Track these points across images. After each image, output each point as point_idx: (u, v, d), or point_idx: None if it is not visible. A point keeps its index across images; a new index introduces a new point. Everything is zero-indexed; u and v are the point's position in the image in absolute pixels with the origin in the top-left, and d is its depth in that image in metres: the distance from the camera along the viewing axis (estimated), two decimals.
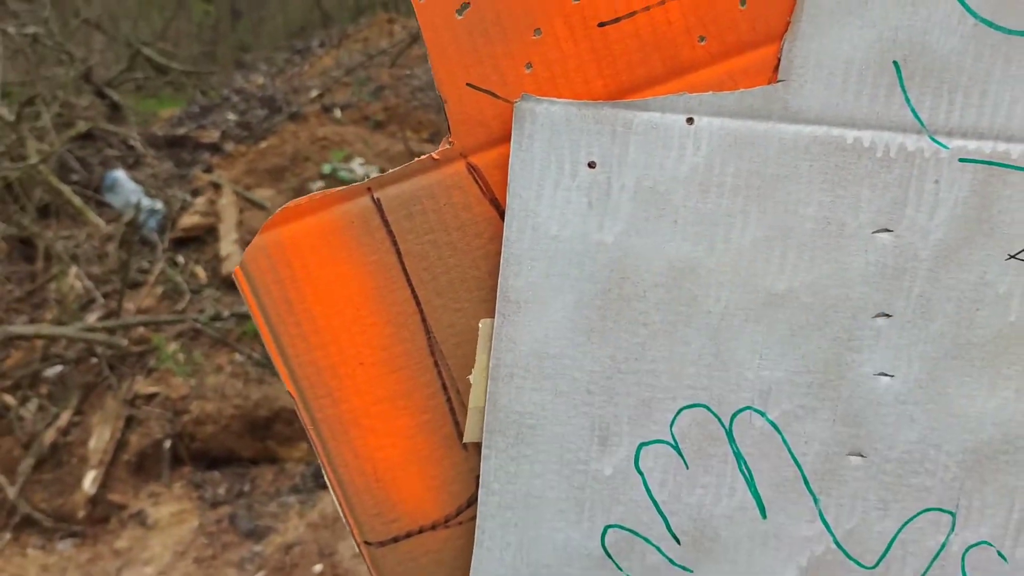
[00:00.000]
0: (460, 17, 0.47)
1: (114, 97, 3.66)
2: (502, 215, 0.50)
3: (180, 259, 2.91)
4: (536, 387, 0.51)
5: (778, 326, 0.51)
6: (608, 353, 0.51)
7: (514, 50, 0.47)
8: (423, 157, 0.49)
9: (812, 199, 0.49)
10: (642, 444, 0.52)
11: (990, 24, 0.46)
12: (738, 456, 0.53)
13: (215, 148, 3.65)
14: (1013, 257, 0.49)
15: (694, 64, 0.48)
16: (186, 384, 2.38)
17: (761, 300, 0.50)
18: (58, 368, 2.51)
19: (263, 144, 3.57)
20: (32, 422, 2.42)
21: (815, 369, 0.51)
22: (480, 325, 0.51)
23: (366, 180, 0.49)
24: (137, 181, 3.29)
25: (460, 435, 0.53)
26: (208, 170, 3.43)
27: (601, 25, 0.47)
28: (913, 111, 0.48)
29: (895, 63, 0.47)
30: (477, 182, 0.49)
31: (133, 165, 3.51)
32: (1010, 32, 0.46)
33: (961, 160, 0.48)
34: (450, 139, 0.49)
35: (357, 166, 3.43)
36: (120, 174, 3.24)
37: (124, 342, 2.36)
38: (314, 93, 3.98)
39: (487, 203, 0.50)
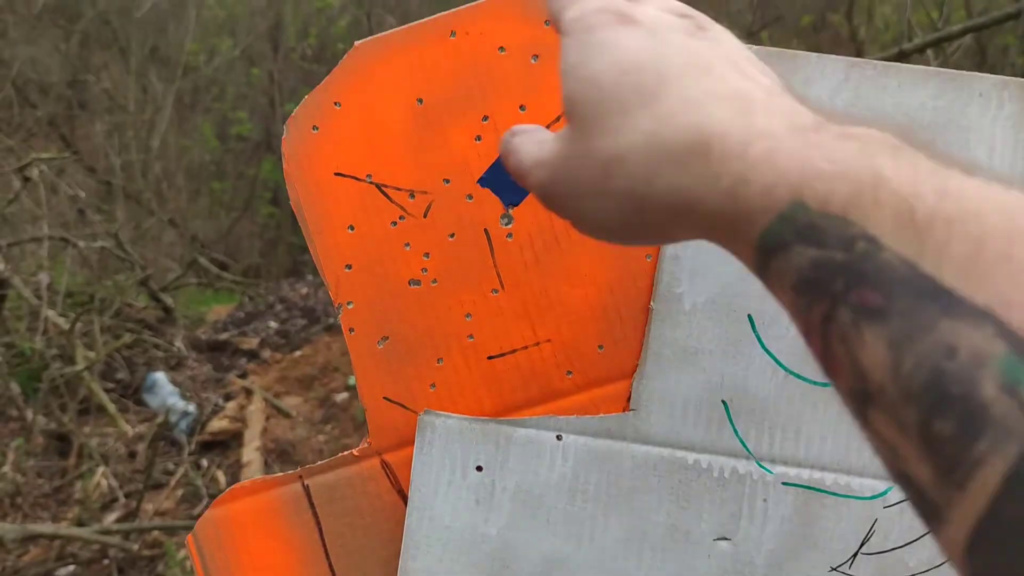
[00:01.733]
0: (380, 347, 0.60)
1: (167, 302, 3.96)
2: (407, 505, 0.60)
3: (204, 462, 3.03)
4: None
5: None
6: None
7: (422, 373, 0.60)
8: (346, 453, 0.61)
9: (662, 508, 0.59)
10: None
11: (797, 376, 0.58)
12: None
13: (253, 355, 3.88)
14: (835, 570, 0.58)
15: (563, 392, 0.60)
16: None
17: None
18: (71, 568, 2.57)
19: (297, 353, 3.79)
20: None
21: None
22: None
23: (298, 470, 0.61)
24: (176, 383, 3.49)
25: None
26: (243, 375, 3.64)
27: (490, 358, 0.60)
28: (741, 441, 0.58)
29: (723, 402, 0.58)
30: (388, 476, 0.61)
31: (175, 367, 3.73)
32: (815, 383, 0.58)
33: (784, 483, 0.58)
34: (368, 439, 0.61)
35: None
36: (160, 376, 3.45)
37: (135, 547, 2.43)
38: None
39: (395, 493, 0.61)
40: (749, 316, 0.58)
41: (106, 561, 2.51)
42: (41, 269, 3.11)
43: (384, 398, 0.60)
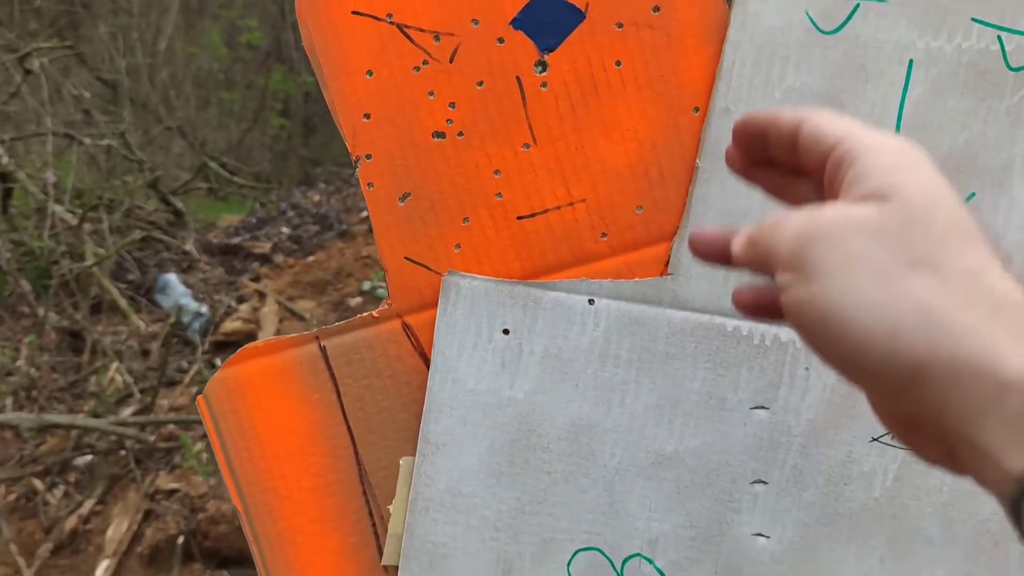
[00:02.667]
0: (402, 204, 0.56)
1: (177, 205, 3.92)
2: (429, 368, 0.58)
3: (217, 362, 3.04)
4: (449, 521, 0.58)
5: (666, 484, 0.57)
6: (515, 495, 0.58)
7: (446, 233, 0.57)
8: (365, 315, 0.58)
9: (697, 375, 0.56)
10: None
11: None
12: None
13: (265, 259, 3.86)
14: (876, 440, 0.56)
15: (597, 255, 0.57)
16: (206, 483, 2.46)
17: (651, 459, 0.57)
18: (88, 457, 2.61)
19: (310, 258, 3.76)
20: (56, 508, 2.51)
21: (699, 525, 0.57)
22: (401, 462, 0.58)
23: (315, 330, 0.58)
24: (187, 285, 3.49)
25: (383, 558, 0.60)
26: (256, 279, 3.62)
27: (520, 218, 0.56)
28: None
29: None
30: (410, 338, 0.58)
31: (187, 269, 3.72)
32: None
33: None
34: (388, 301, 0.58)
35: None
36: (172, 277, 3.44)
37: (152, 438, 2.46)
38: (364, 213, 4.20)
39: (417, 357, 0.58)
40: None
41: (123, 452, 2.55)
42: (46, 166, 3.07)
43: (405, 258, 0.57)
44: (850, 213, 0.31)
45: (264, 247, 3.98)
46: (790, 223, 0.33)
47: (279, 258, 3.87)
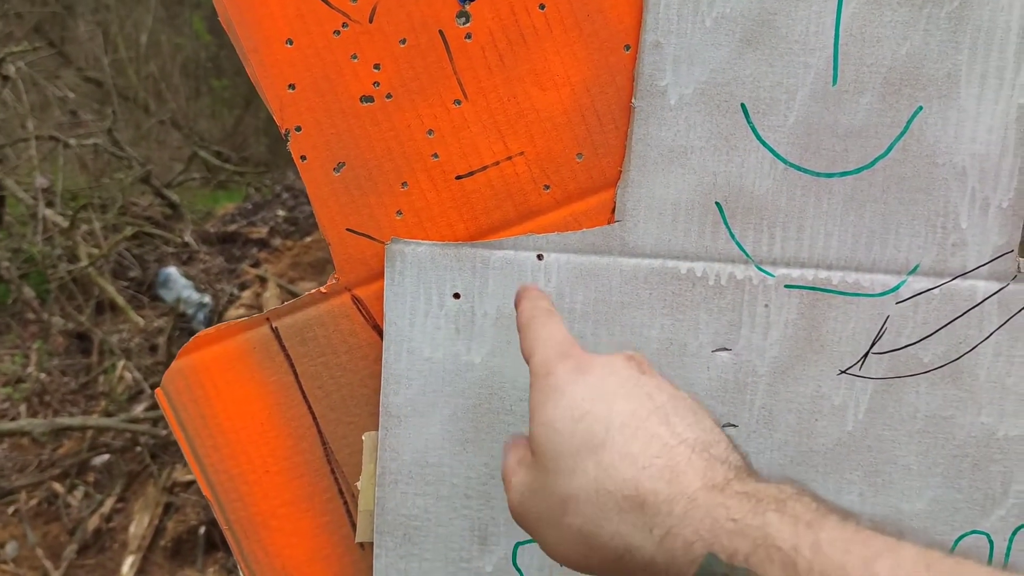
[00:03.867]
0: (337, 174, 0.55)
1: (172, 198, 3.91)
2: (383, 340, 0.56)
3: None
4: (419, 492, 0.57)
5: None
6: (482, 461, 0.57)
7: (385, 200, 0.55)
8: (313, 291, 0.57)
9: (655, 323, 0.55)
10: (518, 543, 0.57)
11: (799, 168, 0.52)
12: None
13: (264, 243, 3.85)
14: (844, 372, 0.54)
15: (541, 208, 0.55)
16: None
17: None
18: (105, 457, 2.64)
19: (308, 239, 3.75)
20: (78, 509, 2.54)
21: None
22: (364, 437, 0.58)
23: (264, 312, 0.57)
24: (189, 277, 3.49)
25: None
26: (256, 264, 3.62)
27: (458, 178, 0.55)
28: (738, 244, 0.53)
29: (717, 204, 0.53)
30: (361, 311, 0.57)
31: (187, 261, 3.72)
32: (817, 175, 0.52)
33: (787, 286, 0.53)
34: (335, 275, 0.56)
35: None
36: (172, 271, 3.44)
37: (164, 432, 2.48)
38: None
39: (370, 329, 0.57)
40: (742, 105, 0.52)
41: (138, 448, 2.57)
42: (34, 171, 3.06)
43: (347, 229, 0.55)
44: (514, 481, 0.42)
45: (261, 232, 3.97)
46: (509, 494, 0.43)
47: (277, 241, 3.87)
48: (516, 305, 0.49)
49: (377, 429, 0.57)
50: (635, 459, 0.37)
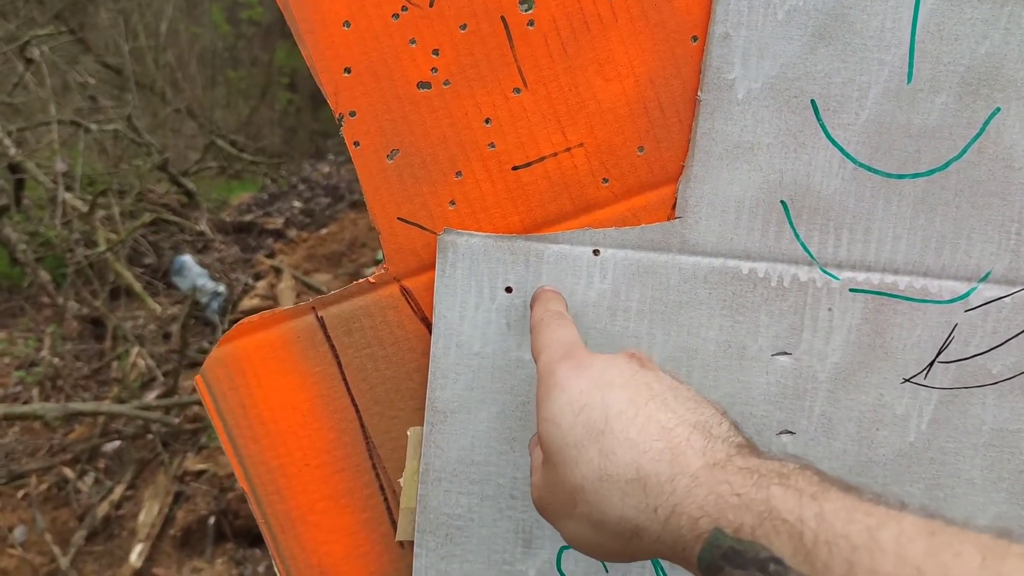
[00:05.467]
0: (391, 161, 0.53)
1: (188, 186, 3.91)
2: (431, 333, 0.55)
3: None
4: (463, 491, 0.56)
5: None
6: (528, 461, 0.55)
7: (439, 190, 0.53)
8: (361, 280, 0.55)
9: (713, 323, 0.53)
10: (563, 548, 0.56)
11: (869, 168, 0.51)
12: (655, 563, 0.56)
13: (279, 234, 3.84)
14: (908, 381, 0.52)
15: (599, 202, 0.53)
16: None
17: None
18: (116, 443, 2.63)
19: (324, 231, 3.74)
20: (88, 495, 2.54)
21: None
22: (409, 433, 0.56)
23: (310, 300, 0.56)
24: (204, 265, 3.48)
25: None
26: (271, 255, 3.61)
27: (515, 168, 0.53)
28: (803, 245, 0.52)
29: (783, 202, 0.51)
30: (409, 303, 0.55)
31: (202, 250, 3.72)
32: (888, 175, 0.50)
33: (852, 290, 0.52)
34: (384, 265, 0.55)
35: None
36: (187, 258, 3.43)
37: (177, 420, 2.47)
38: None
39: (419, 321, 0.55)
40: (812, 102, 0.50)
41: (150, 436, 2.57)
42: (54, 155, 3.06)
43: (399, 219, 0.54)
44: (534, 479, 0.43)
45: (277, 222, 3.97)
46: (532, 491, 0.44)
47: (292, 232, 3.86)
48: (531, 307, 0.50)
49: (422, 424, 0.56)
50: (635, 443, 0.38)
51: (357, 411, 0.57)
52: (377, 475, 0.57)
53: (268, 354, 0.56)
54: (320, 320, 0.56)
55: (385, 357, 0.56)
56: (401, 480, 0.56)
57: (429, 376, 0.55)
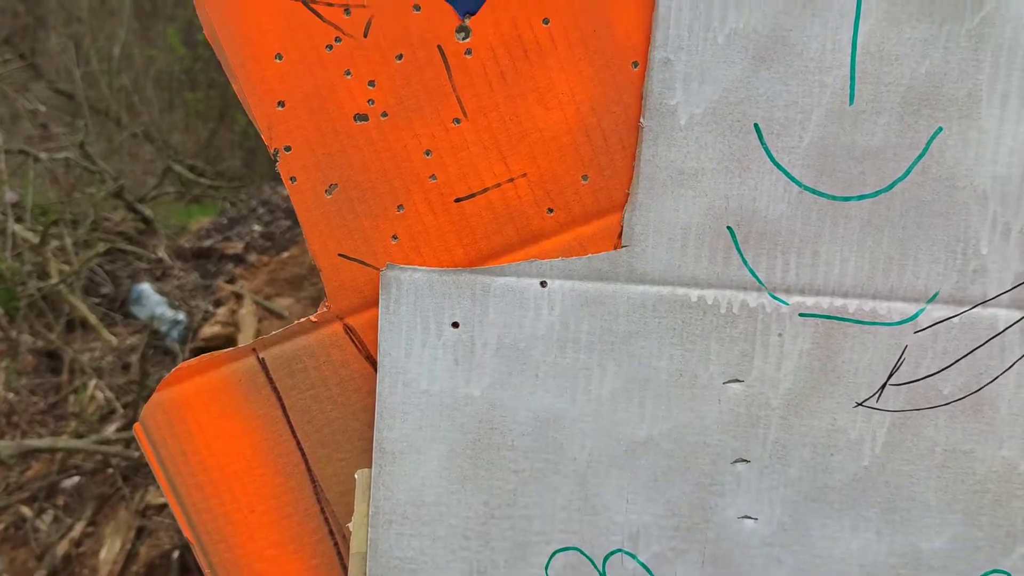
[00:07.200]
0: (329, 196, 0.52)
1: (145, 213, 3.84)
2: (377, 371, 0.53)
3: None
4: (414, 533, 0.54)
5: (642, 472, 0.53)
6: (482, 500, 0.54)
7: (380, 224, 0.52)
8: (303, 320, 0.54)
9: (664, 353, 0.52)
10: None
11: (815, 191, 0.50)
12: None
13: (239, 259, 3.79)
14: (860, 404, 0.52)
15: (544, 232, 0.52)
16: None
17: (624, 448, 0.53)
18: (75, 479, 2.57)
19: (285, 254, 3.70)
20: (47, 533, 2.47)
21: (681, 513, 0.53)
22: (357, 475, 0.54)
23: (251, 342, 0.54)
24: (163, 293, 3.42)
25: None
26: (231, 280, 3.56)
27: (458, 200, 0.52)
28: (751, 271, 0.51)
29: (729, 228, 0.51)
30: (353, 341, 0.54)
31: (161, 277, 3.65)
32: (834, 198, 0.50)
33: (801, 315, 0.51)
34: (327, 303, 0.53)
35: None
36: (146, 287, 3.37)
37: (137, 454, 2.42)
38: None
39: (363, 360, 0.54)
40: (756, 125, 0.50)
41: (110, 470, 2.50)
42: (3, 185, 2.99)
43: (339, 255, 0.52)
44: None
45: (237, 247, 3.91)
46: None
47: (253, 257, 3.81)
48: None
49: (370, 466, 0.54)
50: None
51: (303, 454, 0.55)
52: (326, 519, 0.55)
53: (209, 398, 0.54)
54: (261, 361, 0.54)
55: (330, 398, 0.54)
56: (350, 525, 0.55)
57: (376, 416, 0.53)
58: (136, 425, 0.55)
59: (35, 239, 2.90)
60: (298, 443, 0.55)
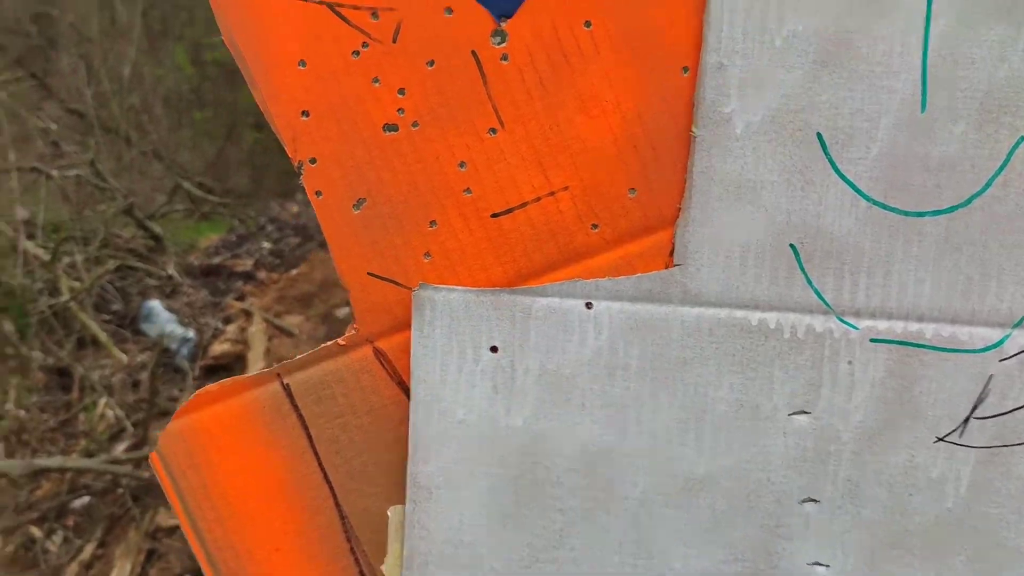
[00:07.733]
0: (357, 212, 0.48)
1: (155, 230, 3.83)
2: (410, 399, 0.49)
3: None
4: None
5: (700, 512, 0.49)
6: (525, 541, 0.50)
7: (412, 241, 0.48)
8: (330, 343, 0.50)
9: (722, 381, 0.48)
10: None
11: (885, 206, 0.46)
12: None
13: (248, 276, 3.77)
14: (942, 440, 0.48)
15: (589, 250, 0.48)
16: None
17: (680, 485, 0.49)
18: (85, 499, 2.53)
19: (294, 271, 3.67)
20: (57, 555, 2.43)
21: (744, 557, 0.49)
22: (390, 513, 0.50)
23: (275, 367, 0.50)
24: (172, 310, 3.40)
25: None
26: (240, 298, 3.53)
27: (495, 215, 0.48)
28: (817, 292, 0.47)
29: (792, 246, 0.47)
30: (384, 366, 0.50)
31: (170, 294, 3.63)
32: (906, 214, 0.46)
33: (873, 340, 0.47)
34: (355, 325, 0.49)
35: None
36: (155, 304, 3.35)
37: (147, 474, 2.38)
38: None
39: (395, 387, 0.50)
40: (819, 135, 0.46)
41: (120, 490, 2.47)
42: (15, 203, 2.98)
43: (369, 274, 0.49)
44: None
45: (246, 264, 3.89)
46: None
47: (262, 274, 3.78)
48: None
49: (404, 502, 0.50)
50: None
51: (331, 488, 0.51)
52: (356, 560, 0.51)
53: (230, 426, 0.50)
54: (286, 387, 0.50)
55: (360, 427, 0.50)
56: (384, 567, 0.51)
57: (409, 448, 0.49)
58: (152, 454, 0.51)
59: (46, 256, 2.87)
60: (326, 476, 0.51)
